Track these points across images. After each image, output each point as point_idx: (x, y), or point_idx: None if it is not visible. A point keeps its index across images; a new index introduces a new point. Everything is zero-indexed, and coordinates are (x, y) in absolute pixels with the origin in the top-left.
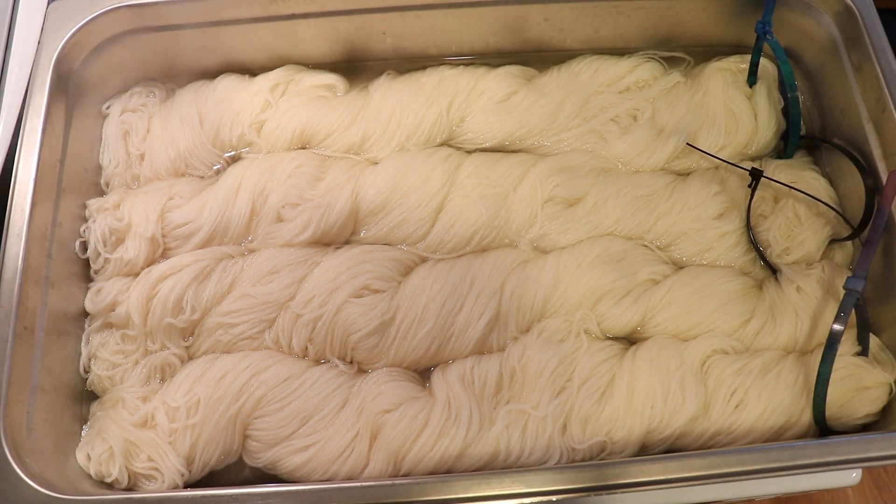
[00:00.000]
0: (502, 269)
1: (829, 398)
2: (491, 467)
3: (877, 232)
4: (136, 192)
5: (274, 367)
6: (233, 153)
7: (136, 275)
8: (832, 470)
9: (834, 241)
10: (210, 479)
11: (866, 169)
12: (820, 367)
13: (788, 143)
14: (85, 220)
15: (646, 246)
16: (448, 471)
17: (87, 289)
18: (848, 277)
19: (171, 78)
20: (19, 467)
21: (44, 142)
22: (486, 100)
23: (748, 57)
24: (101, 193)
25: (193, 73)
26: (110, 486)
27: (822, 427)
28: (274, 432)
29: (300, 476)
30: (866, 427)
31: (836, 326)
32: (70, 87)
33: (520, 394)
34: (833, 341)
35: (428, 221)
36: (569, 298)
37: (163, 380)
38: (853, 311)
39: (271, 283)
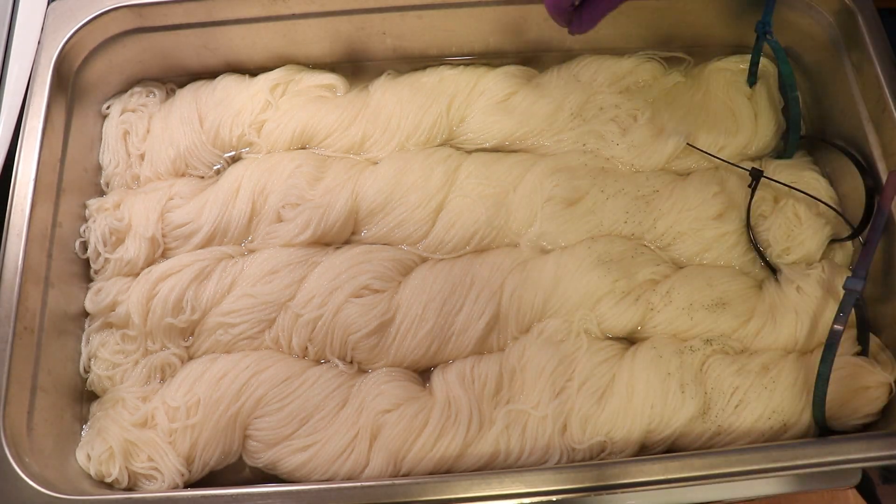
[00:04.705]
0: (502, 269)
1: (829, 398)
2: (491, 467)
3: (876, 232)
4: (136, 192)
5: (274, 367)
6: (233, 153)
7: (136, 275)
8: (832, 470)
9: (834, 241)
10: (210, 479)
11: (866, 169)
12: (819, 366)
13: (788, 143)
14: (85, 220)
15: (646, 246)
16: (448, 471)
17: (87, 289)
18: (847, 277)
19: (171, 78)
20: (19, 467)
21: (44, 142)
22: (486, 100)
23: (748, 57)
24: (101, 193)
25: (193, 73)
26: (110, 486)
27: (822, 426)
28: (274, 432)
29: (300, 476)
30: (866, 427)
31: (836, 326)
32: (70, 87)
33: (520, 394)
34: (833, 341)
35: (428, 221)
36: (569, 298)
37: (163, 380)
38: (853, 310)
39: (271, 283)
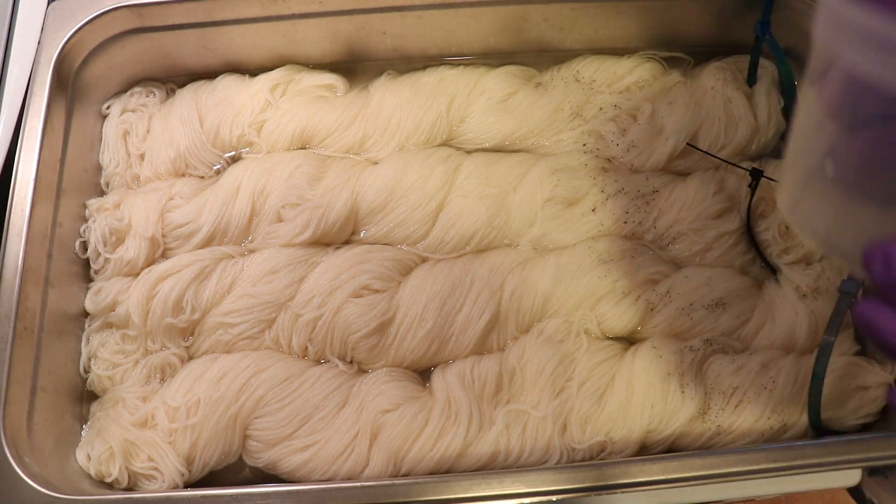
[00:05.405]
0: (502, 270)
1: (828, 398)
2: (491, 467)
3: None
4: (136, 192)
5: (274, 367)
6: (233, 153)
7: (137, 275)
8: (832, 470)
9: None
10: (210, 479)
11: None
12: (814, 367)
13: None
14: (85, 220)
15: (646, 246)
16: (448, 471)
17: (87, 289)
18: (843, 280)
19: (171, 78)
20: (19, 467)
21: (44, 142)
22: (485, 100)
23: (748, 57)
24: (101, 193)
25: (193, 73)
26: (110, 486)
27: (817, 429)
28: (274, 432)
29: (300, 476)
30: (866, 427)
31: (828, 332)
32: (70, 87)
33: (520, 394)
34: (826, 344)
35: (428, 221)
36: (569, 299)
37: (163, 380)
38: (850, 312)
39: (271, 283)
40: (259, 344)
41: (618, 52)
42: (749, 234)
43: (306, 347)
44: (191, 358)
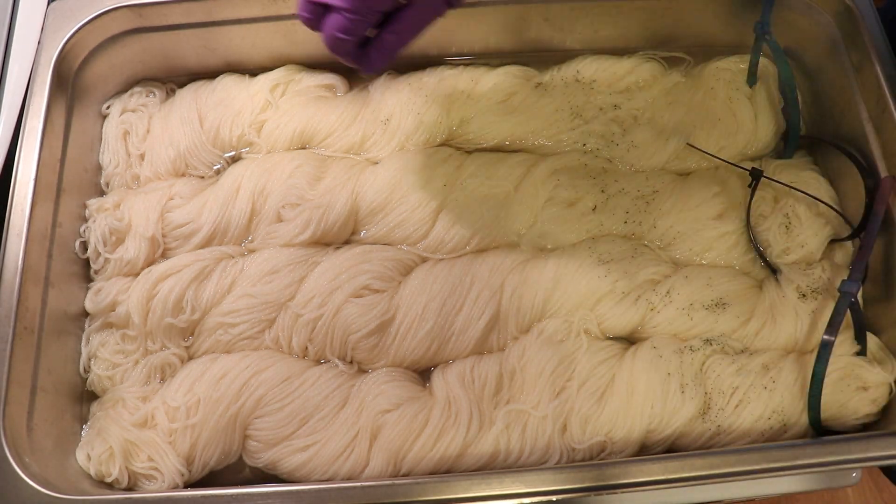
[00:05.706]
0: (502, 270)
1: (829, 398)
2: (491, 467)
3: (871, 236)
4: (136, 192)
5: (274, 367)
6: (233, 153)
7: (137, 275)
8: (832, 470)
9: (834, 241)
10: (210, 479)
11: (866, 169)
12: (815, 367)
13: (788, 143)
14: (85, 220)
15: (646, 246)
16: (448, 471)
17: (87, 289)
18: (843, 280)
19: (171, 78)
20: (19, 467)
21: (44, 142)
22: (486, 100)
23: (748, 57)
24: (101, 193)
25: (193, 73)
26: (110, 486)
27: (817, 429)
28: (274, 432)
29: (300, 476)
30: (866, 427)
31: (829, 332)
32: (70, 87)
33: (520, 394)
34: (826, 344)
35: (428, 221)
36: (569, 299)
37: (163, 380)
38: (850, 311)
39: (271, 283)
40: (259, 344)
41: (618, 52)
42: (749, 234)
43: (306, 347)
44: (191, 358)
